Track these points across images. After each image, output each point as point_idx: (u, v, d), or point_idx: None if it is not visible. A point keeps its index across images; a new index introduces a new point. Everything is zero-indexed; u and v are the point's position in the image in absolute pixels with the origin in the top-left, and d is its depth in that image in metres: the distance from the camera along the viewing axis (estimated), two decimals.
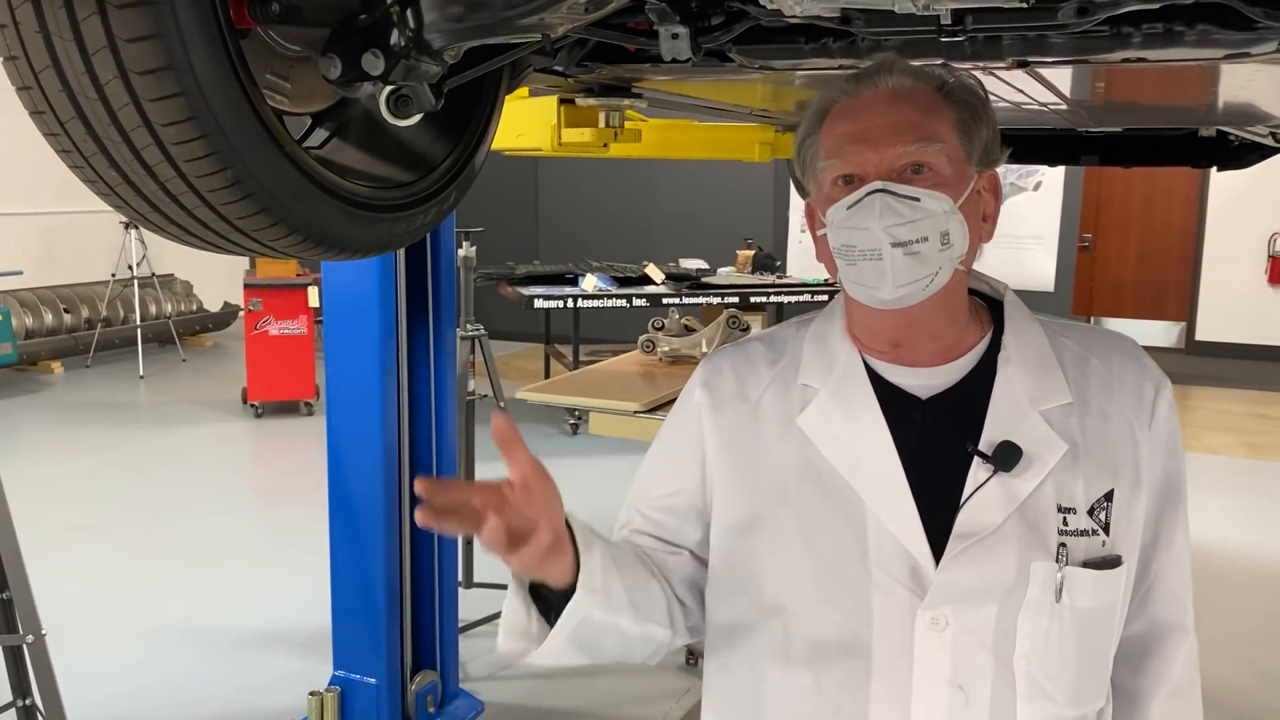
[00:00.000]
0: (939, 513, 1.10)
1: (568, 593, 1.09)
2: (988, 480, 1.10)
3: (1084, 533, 1.11)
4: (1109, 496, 1.12)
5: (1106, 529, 1.12)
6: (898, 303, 1.10)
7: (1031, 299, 1.22)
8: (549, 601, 1.12)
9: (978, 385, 1.15)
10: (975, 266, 1.19)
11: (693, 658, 3.62)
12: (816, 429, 1.16)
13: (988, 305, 1.22)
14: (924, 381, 1.16)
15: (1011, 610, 1.09)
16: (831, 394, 1.17)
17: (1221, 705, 3.58)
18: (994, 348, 1.17)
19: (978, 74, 1.73)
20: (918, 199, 1.07)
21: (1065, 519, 1.10)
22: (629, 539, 1.26)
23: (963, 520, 1.09)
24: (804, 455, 1.16)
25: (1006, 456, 1.10)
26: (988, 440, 1.11)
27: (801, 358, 1.21)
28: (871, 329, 1.17)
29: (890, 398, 1.15)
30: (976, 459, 1.11)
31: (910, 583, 1.10)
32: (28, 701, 2.49)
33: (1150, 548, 1.19)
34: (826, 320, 1.23)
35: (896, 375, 1.16)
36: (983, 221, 1.16)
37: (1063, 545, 1.10)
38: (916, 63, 1.15)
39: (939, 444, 1.13)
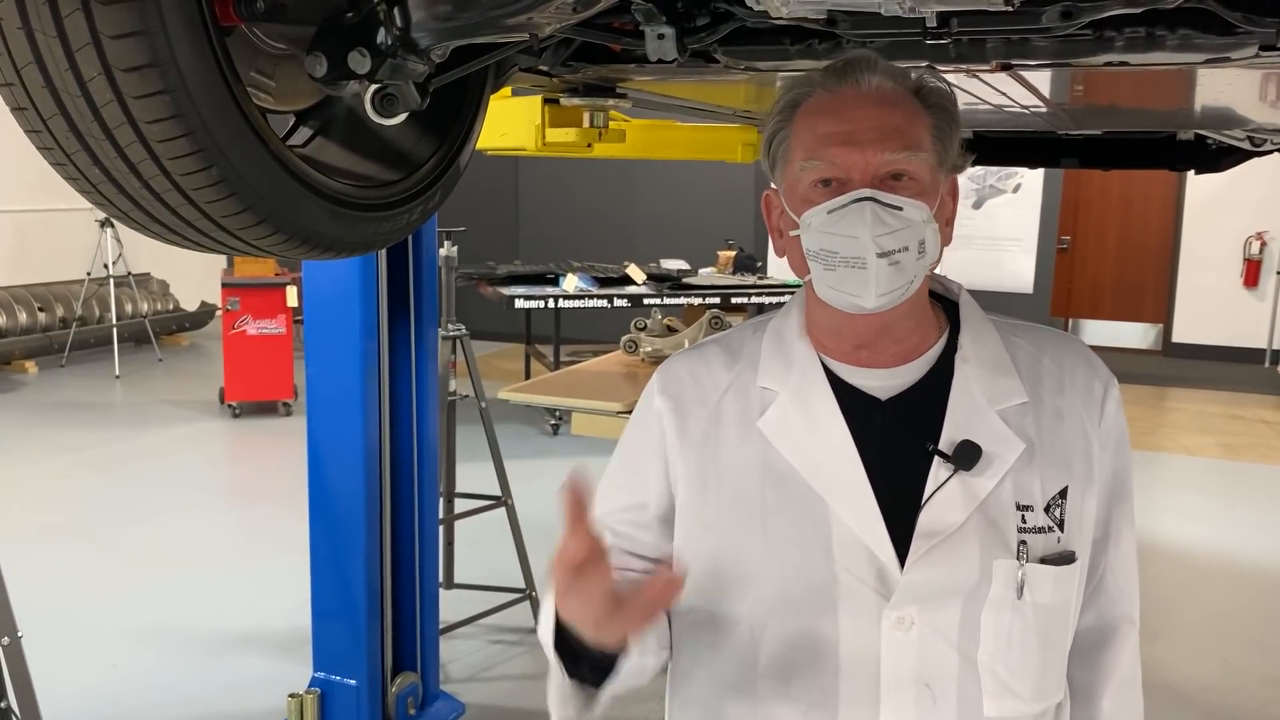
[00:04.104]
0: (901, 513, 1.11)
1: (602, 649, 1.09)
2: (948, 479, 1.10)
3: (1041, 530, 1.12)
4: (1063, 494, 1.13)
5: (1061, 525, 1.13)
6: (875, 310, 1.10)
7: (1010, 301, 1.23)
8: (573, 647, 1.11)
9: (935, 386, 1.15)
10: (946, 268, 1.20)
11: None
12: (777, 432, 1.16)
13: (942, 305, 1.22)
14: (882, 382, 1.16)
15: (975, 608, 1.10)
16: (791, 396, 1.17)
17: (1197, 703, 3.61)
18: (950, 348, 1.17)
19: (960, 75, 1.74)
20: (901, 208, 1.07)
21: (1024, 516, 1.11)
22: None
23: (925, 520, 1.10)
24: (765, 458, 1.15)
25: (967, 455, 1.10)
26: (947, 440, 1.11)
27: (760, 358, 1.21)
28: (838, 331, 1.17)
29: (849, 399, 1.15)
30: (937, 459, 1.11)
31: (876, 584, 1.10)
32: (2, 704, 2.47)
33: (1100, 543, 1.20)
34: (784, 318, 1.23)
35: (855, 376, 1.16)
36: (945, 225, 1.16)
37: (1023, 543, 1.11)
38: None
39: (899, 445, 1.13)
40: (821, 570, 1.11)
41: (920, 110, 1.11)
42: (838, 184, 1.08)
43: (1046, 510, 1.12)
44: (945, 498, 1.10)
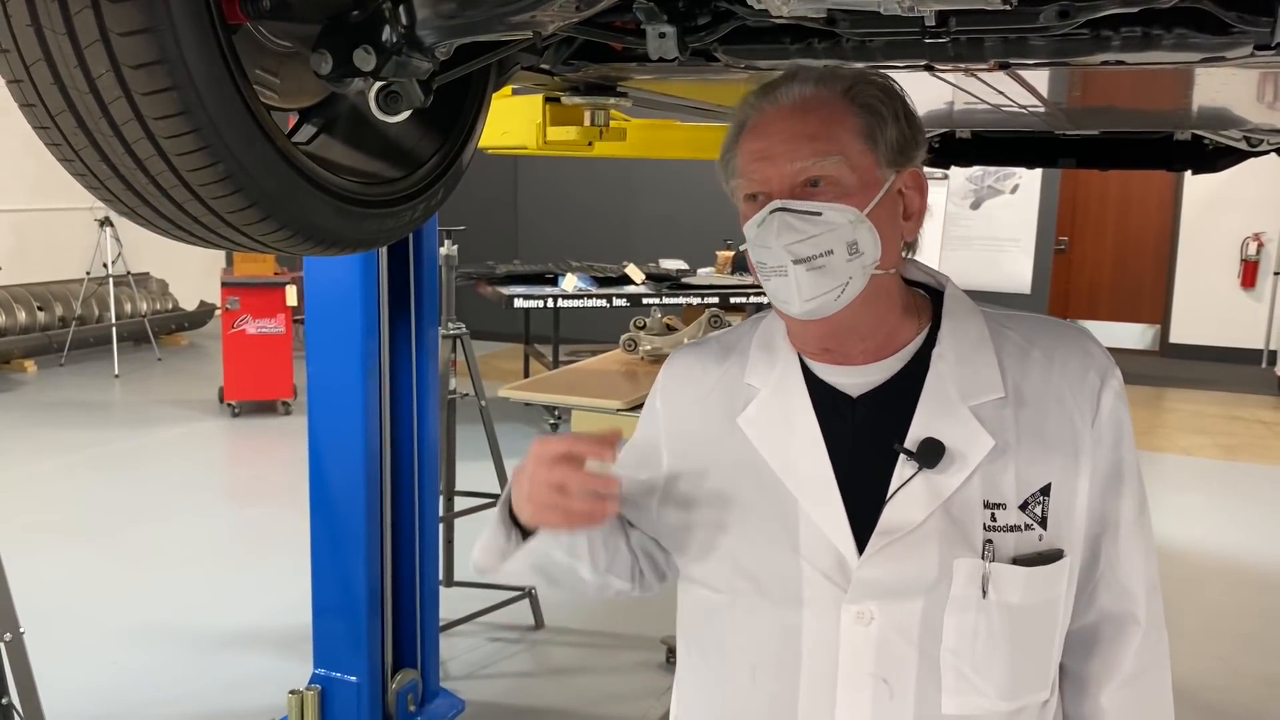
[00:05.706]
0: (867, 510, 1.12)
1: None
2: (912, 477, 1.11)
3: (1015, 528, 1.11)
4: (1046, 490, 1.12)
5: (1044, 523, 1.12)
6: (809, 315, 1.11)
7: (1008, 301, 1.23)
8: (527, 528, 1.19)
9: (910, 381, 1.16)
10: (945, 269, 1.21)
11: (671, 655, 3.63)
12: (755, 427, 1.19)
13: (930, 297, 1.22)
14: (857, 379, 1.17)
15: (937, 606, 1.10)
16: (770, 393, 1.20)
17: (1195, 702, 3.63)
18: (930, 342, 1.17)
19: (959, 74, 1.75)
20: (819, 213, 1.09)
21: (993, 515, 1.11)
22: None
23: (886, 517, 1.11)
24: (744, 453, 1.18)
25: (930, 453, 1.11)
26: (914, 437, 1.12)
27: (749, 356, 1.24)
28: (800, 336, 1.19)
29: (824, 396, 1.17)
30: (902, 456, 1.12)
31: (837, 577, 1.12)
32: (4, 701, 2.48)
33: (1098, 539, 1.18)
34: (775, 318, 1.25)
35: (830, 374, 1.18)
36: (904, 220, 1.16)
37: (989, 541, 1.10)
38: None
39: (869, 441, 1.14)
40: (789, 564, 1.14)
41: (845, 111, 1.11)
42: (762, 198, 1.12)
43: (1024, 508, 1.11)
44: (908, 496, 1.11)
